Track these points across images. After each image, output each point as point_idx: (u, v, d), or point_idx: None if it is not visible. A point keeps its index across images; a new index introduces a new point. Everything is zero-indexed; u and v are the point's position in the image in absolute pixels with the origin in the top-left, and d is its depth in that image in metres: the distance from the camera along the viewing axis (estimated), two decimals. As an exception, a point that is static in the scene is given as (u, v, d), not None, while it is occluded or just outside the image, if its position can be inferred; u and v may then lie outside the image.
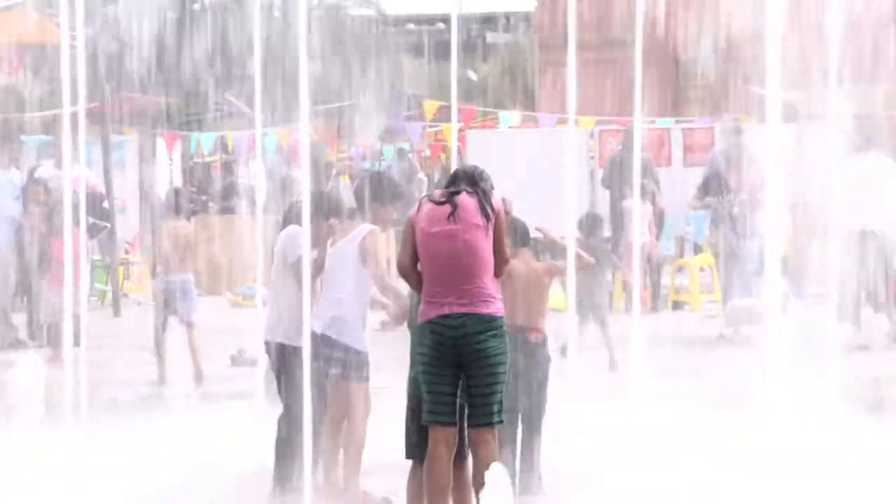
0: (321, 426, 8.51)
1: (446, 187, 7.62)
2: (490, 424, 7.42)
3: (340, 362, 8.61)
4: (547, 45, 36.40)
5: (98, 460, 9.35)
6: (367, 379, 8.71)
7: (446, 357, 7.39)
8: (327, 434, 8.73)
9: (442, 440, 7.42)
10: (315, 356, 8.18)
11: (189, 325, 13.43)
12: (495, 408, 7.41)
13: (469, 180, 7.53)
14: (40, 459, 9.33)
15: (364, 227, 8.67)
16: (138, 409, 11.86)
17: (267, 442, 8.87)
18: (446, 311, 7.39)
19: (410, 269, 7.58)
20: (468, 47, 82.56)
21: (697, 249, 19.92)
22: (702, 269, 18.74)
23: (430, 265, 7.47)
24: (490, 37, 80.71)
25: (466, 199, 7.46)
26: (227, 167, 32.24)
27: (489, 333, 7.38)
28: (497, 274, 7.52)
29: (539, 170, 19.00)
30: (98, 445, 9.88)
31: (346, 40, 56.85)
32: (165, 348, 13.51)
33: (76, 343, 11.77)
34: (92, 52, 20.44)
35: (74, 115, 10.01)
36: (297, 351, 8.12)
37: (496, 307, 7.43)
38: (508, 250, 7.71)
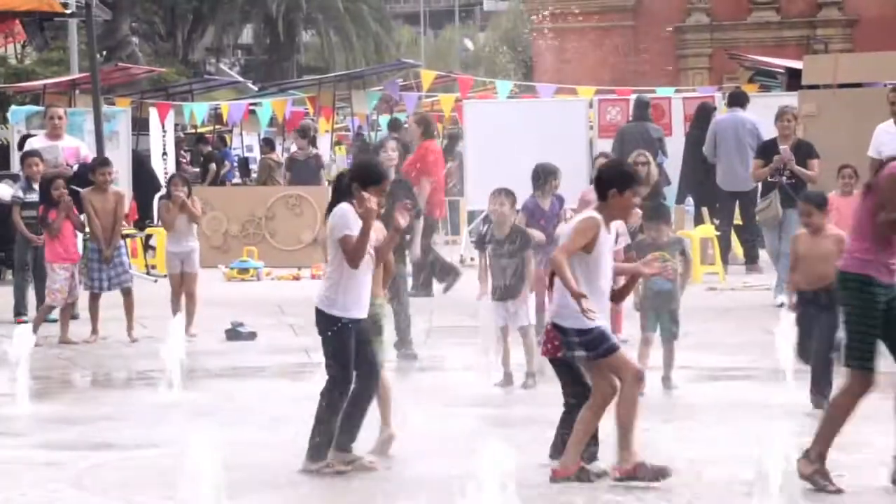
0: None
1: None
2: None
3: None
4: (545, 13, 36.04)
5: (86, 438, 9.23)
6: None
7: None
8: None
9: None
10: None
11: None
12: None
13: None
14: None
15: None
16: (132, 387, 11.65)
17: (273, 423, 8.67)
18: None
19: None
20: (465, 15, 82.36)
21: (698, 221, 19.67)
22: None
23: None
24: (487, 4, 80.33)
25: None
26: (220, 138, 31.95)
27: None
28: None
29: (537, 140, 18.74)
30: (88, 421, 9.82)
31: (342, 9, 56.56)
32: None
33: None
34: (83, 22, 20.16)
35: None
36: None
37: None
38: None
